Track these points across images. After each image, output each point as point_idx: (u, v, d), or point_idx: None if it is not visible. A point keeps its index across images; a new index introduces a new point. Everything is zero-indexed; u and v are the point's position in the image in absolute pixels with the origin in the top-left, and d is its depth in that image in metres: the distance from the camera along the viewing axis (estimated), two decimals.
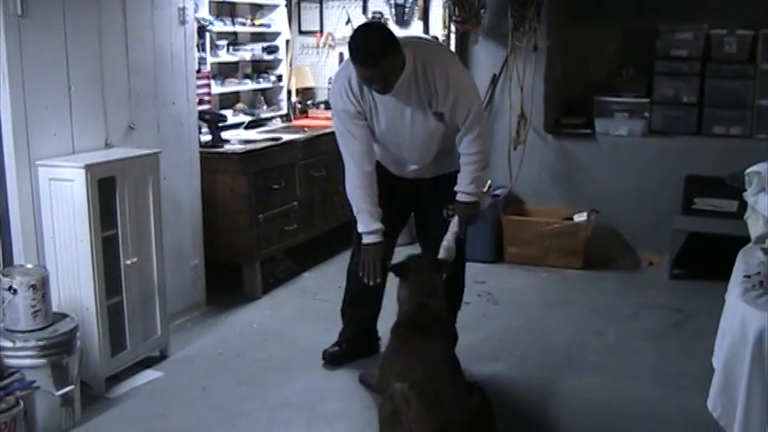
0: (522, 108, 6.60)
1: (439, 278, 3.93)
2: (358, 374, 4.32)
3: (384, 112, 3.94)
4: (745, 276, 3.15)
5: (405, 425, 3.29)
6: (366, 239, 4.05)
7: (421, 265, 3.94)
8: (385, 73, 3.70)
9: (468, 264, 6.10)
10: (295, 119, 6.94)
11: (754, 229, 3.75)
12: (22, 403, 3.49)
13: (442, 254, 4.05)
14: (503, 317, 5.34)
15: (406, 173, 4.24)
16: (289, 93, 6.95)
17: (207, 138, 5.48)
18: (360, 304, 4.58)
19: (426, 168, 4.19)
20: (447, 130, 3.99)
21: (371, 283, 4.07)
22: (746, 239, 3.84)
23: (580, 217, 6.38)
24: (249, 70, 6.61)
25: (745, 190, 3.94)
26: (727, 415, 2.95)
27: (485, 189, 6.55)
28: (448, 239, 4.08)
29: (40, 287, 3.74)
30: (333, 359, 4.55)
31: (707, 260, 5.91)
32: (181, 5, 4.92)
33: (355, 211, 4.08)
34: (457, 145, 4.02)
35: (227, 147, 5.49)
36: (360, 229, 4.06)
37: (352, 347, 4.60)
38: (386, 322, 4.26)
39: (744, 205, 4.22)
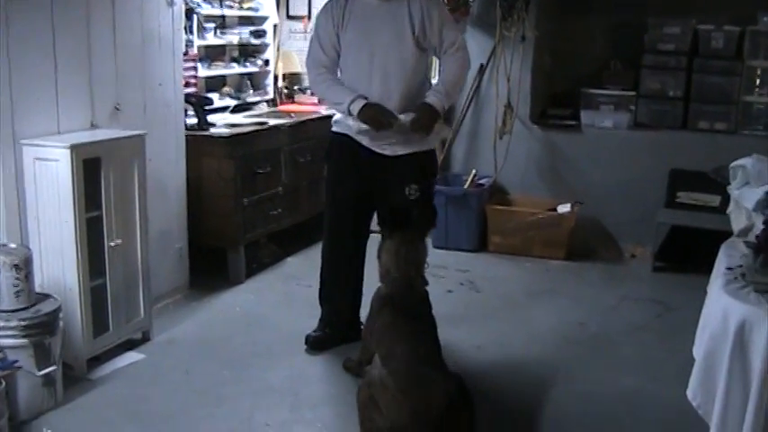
0: (509, 98, 6.61)
1: (425, 248, 3.94)
2: (342, 361, 4.34)
3: (362, 30, 4.17)
4: (727, 269, 3.18)
5: (381, 409, 3.33)
6: (356, 106, 4.15)
7: (408, 232, 3.88)
8: None
9: (451, 252, 6.18)
10: (281, 104, 6.92)
11: (737, 223, 3.78)
12: (3, 383, 3.47)
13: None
14: (485, 306, 5.36)
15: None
16: (275, 77, 6.93)
17: (193, 121, 5.46)
18: (335, 291, 4.63)
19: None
20: (418, 65, 4.22)
21: (394, 126, 4.14)
22: (728, 234, 3.87)
23: (564, 208, 6.40)
24: (236, 54, 6.59)
25: (729, 184, 3.97)
26: (707, 404, 2.98)
27: (470, 177, 6.58)
28: (405, 119, 4.16)
29: (24, 267, 3.72)
30: (316, 344, 4.56)
31: (689, 253, 5.96)
32: None
33: (334, 101, 4.32)
34: (441, 69, 4.32)
35: (212, 130, 5.47)
36: (345, 106, 4.18)
37: (335, 333, 4.61)
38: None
39: (726, 200, 4.24)
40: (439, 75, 4.32)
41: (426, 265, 3.93)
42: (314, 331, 4.62)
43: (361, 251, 4.56)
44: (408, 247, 3.83)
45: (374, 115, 4.13)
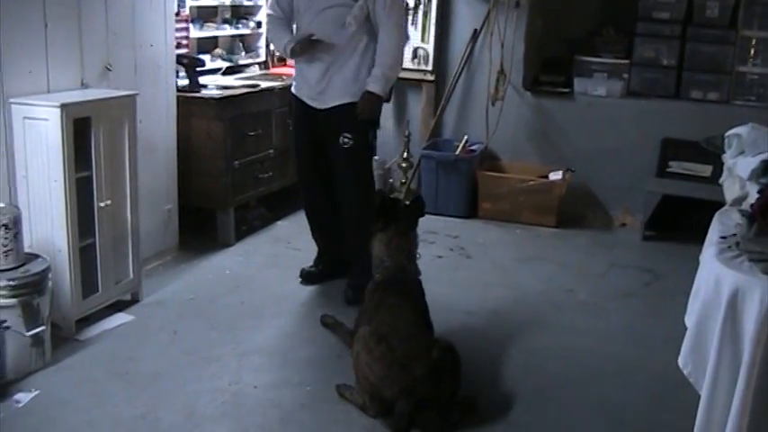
0: (502, 64, 6.58)
1: (415, 237, 4.08)
2: (320, 316, 4.41)
3: None
4: (721, 237, 3.16)
5: (365, 364, 3.48)
6: (289, 48, 4.61)
7: (399, 224, 4.00)
8: None
9: (441, 218, 6.18)
10: (273, 66, 6.87)
11: (731, 192, 3.75)
12: None
13: None
14: (475, 271, 5.36)
15: (314, 86, 4.62)
16: (267, 40, 6.85)
17: (184, 82, 5.41)
18: (314, 232, 5.08)
19: (331, 75, 4.57)
20: (359, 27, 4.48)
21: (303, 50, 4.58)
22: (719, 204, 3.85)
23: (555, 175, 6.39)
24: (228, 15, 6.51)
25: (721, 153, 3.95)
26: (697, 372, 2.97)
27: (461, 142, 6.56)
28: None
29: (12, 226, 3.70)
30: (308, 277, 4.99)
31: (679, 223, 5.96)
32: None
33: (279, 46, 4.79)
34: (378, 43, 4.54)
35: (204, 92, 5.42)
36: (280, 48, 4.77)
37: (325, 269, 5.01)
38: None
39: (717, 170, 4.23)
40: (377, 51, 4.55)
41: (418, 255, 4.06)
42: (309, 266, 5.04)
43: (328, 194, 4.84)
44: (400, 238, 3.97)
45: (300, 48, 4.56)
